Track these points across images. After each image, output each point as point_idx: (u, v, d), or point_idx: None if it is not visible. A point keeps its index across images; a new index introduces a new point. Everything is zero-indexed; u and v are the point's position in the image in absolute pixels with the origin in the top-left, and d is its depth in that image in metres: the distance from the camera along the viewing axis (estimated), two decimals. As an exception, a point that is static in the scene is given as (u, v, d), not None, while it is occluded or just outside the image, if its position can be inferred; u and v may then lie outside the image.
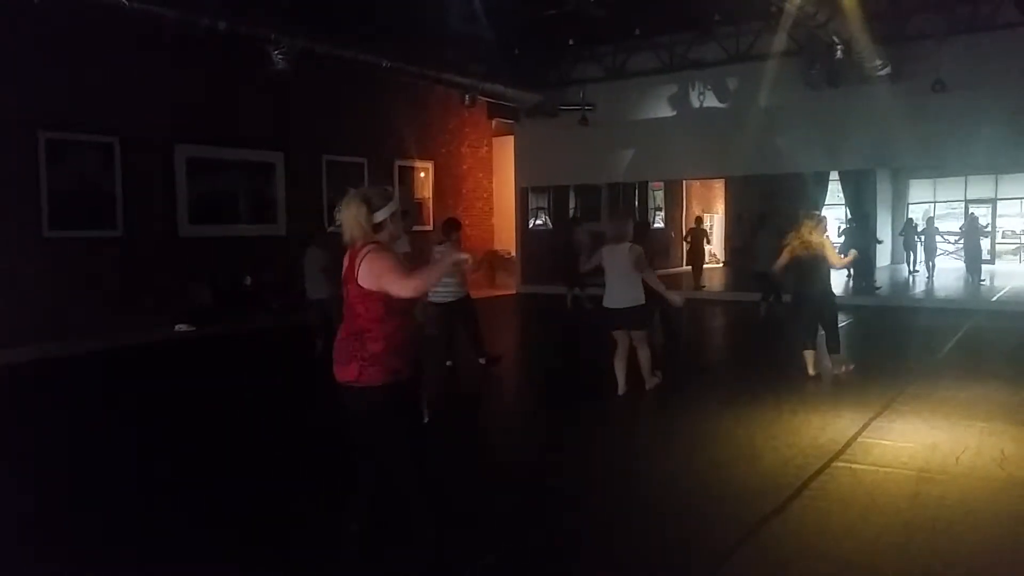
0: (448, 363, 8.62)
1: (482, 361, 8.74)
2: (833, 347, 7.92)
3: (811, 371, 7.78)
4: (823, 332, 7.93)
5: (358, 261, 3.57)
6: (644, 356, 7.22)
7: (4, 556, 4.06)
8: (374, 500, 3.91)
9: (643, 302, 7.06)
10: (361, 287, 3.56)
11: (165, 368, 9.71)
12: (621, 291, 7.01)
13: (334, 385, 3.67)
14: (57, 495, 5.03)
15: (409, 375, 3.68)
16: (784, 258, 7.86)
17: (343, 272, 3.69)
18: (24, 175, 10.51)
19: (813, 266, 7.64)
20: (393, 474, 3.73)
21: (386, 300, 3.55)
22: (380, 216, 3.62)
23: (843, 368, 7.89)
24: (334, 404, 3.75)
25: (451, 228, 8.48)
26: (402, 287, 3.49)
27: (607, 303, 7.15)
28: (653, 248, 15.31)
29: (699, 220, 18.65)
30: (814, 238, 7.57)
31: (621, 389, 7.21)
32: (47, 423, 6.95)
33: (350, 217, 3.60)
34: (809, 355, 7.82)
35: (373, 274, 3.53)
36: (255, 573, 3.83)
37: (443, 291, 8.13)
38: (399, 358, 3.61)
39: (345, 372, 3.61)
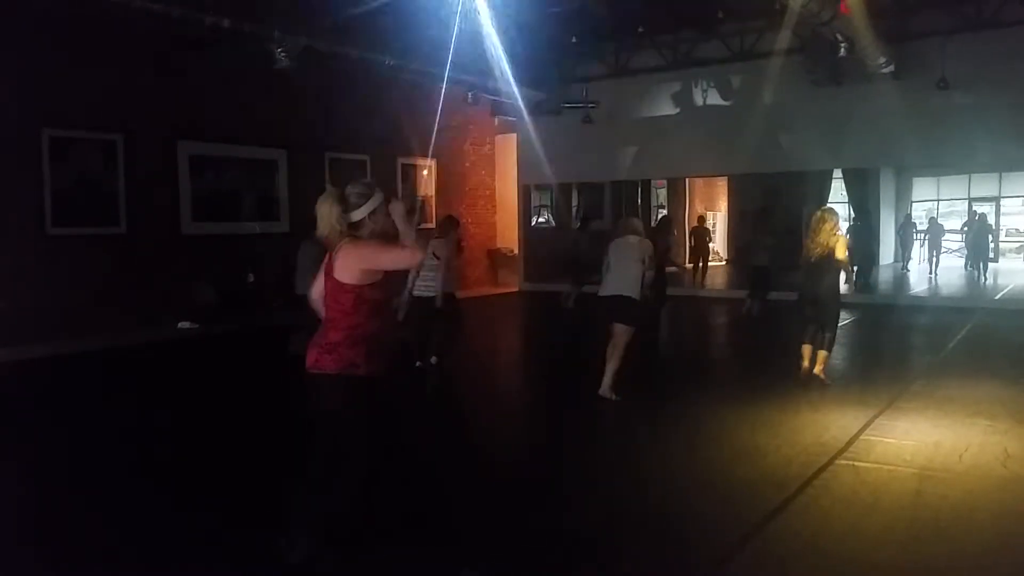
0: (418, 364, 8.09)
1: (432, 360, 8.03)
2: (825, 346, 7.66)
3: (805, 363, 7.57)
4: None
5: (334, 256, 3.60)
6: (614, 361, 6.89)
7: (4, 556, 4.06)
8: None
9: (635, 295, 6.82)
10: (337, 281, 3.57)
11: (168, 366, 9.70)
12: (617, 279, 6.85)
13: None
14: (58, 494, 5.03)
15: (371, 372, 3.60)
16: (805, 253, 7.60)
17: (324, 267, 3.69)
18: (27, 172, 10.50)
19: (821, 265, 7.43)
20: (343, 459, 3.65)
21: (357, 294, 3.54)
22: (358, 215, 3.59)
23: (823, 374, 7.58)
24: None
25: (449, 225, 8.39)
26: (396, 258, 3.55)
27: (600, 291, 7.03)
28: (676, 243, 15.30)
29: (701, 219, 18.65)
30: (826, 238, 7.34)
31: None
32: (49, 421, 6.95)
33: (324, 215, 3.60)
34: (807, 349, 7.63)
35: (348, 267, 3.54)
36: (254, 572, 3.82)
37: (425, 285, 7.88)
38: (357, 351, 3.55)
39: (307, 359, 3.63)
